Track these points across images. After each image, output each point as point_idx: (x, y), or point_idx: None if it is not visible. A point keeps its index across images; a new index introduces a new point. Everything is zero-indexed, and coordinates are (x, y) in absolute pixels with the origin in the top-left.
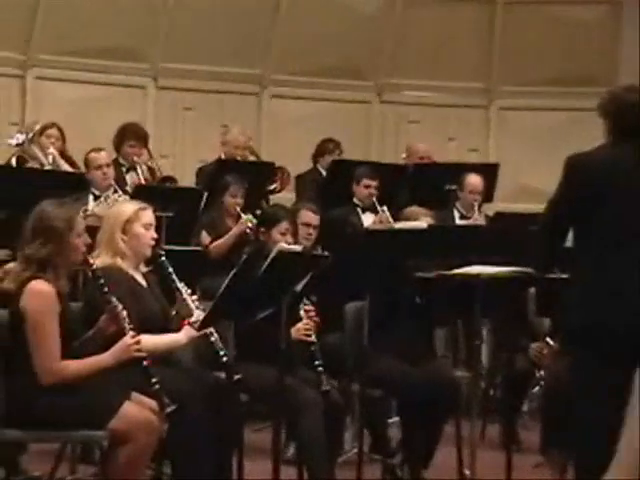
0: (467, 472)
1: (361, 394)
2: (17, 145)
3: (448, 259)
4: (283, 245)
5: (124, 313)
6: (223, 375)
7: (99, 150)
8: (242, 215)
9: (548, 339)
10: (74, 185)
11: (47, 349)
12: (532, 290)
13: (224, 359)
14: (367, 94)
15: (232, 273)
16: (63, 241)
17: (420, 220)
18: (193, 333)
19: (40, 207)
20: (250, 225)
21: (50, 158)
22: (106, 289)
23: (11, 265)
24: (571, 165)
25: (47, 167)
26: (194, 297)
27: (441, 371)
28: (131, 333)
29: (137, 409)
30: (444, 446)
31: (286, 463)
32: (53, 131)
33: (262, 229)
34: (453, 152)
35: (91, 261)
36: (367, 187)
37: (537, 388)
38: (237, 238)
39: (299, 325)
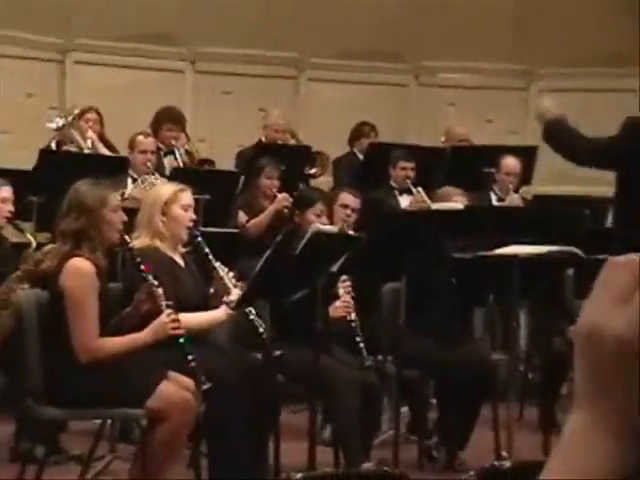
0: (504, 454)
1: (397, 375)
2: (56, 129)
3: (484, 240)
4: (319, 225)
5: (160, 291)
6: (260, 355)
7: (147, 135)
8: (278, 195)
9: None
10: (113, 168)
11: (85, 327)
12: (570, 272)
13: (264, 336)
14: (405, 77)
15: (268, 252)
16: (96, 215)
17: (454, 200)
18: (230, 311)
19: (74, 186)
20: (286, 203)
21: (89, 142)
22: (143, 267)
23: (49, 247)
24: (627, 124)
25: (86, 151)
26: (231, 275)
27: (478, 353)
28: (168, 311)
29: (174, 388)
30: (481, 428)
31: (322, 444)
32: (92, 115)
33: (297, 211)
34: (491, 135)
35: (128, 240)
36: (403, 169)
37: None
38: (274, 216)
39: (337, 303)
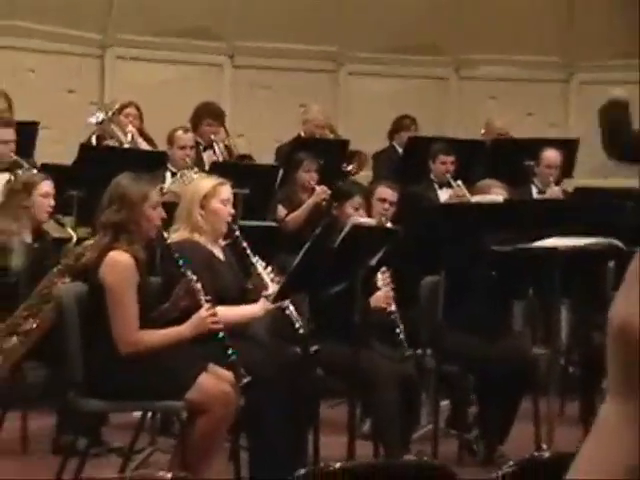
0: (545, 447)
1: (436, 369)
2: (97, 124)
3: (524, 233)
4: (358, 219)
5: (199, 286)
6: (299, 349)
7: (187, 130)
8: (317, 188)
9: None
10: (152, 163)
11: (125, 319)
12: (611, 264)
13: (300, 330)
14: (444, 70)
15: (306, 246)
16: (136, 209)
17: (493, 193)
18: (268, 305)
19: (117, 179)
20: (325, 196)
21: (129, 136)
22: (181, 262)
23: (90, 241)
24: None
25: (126, 145)
26: (268, 270)
27: (518, 347)
28: (207, 305)
29: (214, 381)
30: (522, 422)
31: (362, 438)
32: (131, 110)
33: (335, 204)
34: (532, 127)
35: (166, 236)
36: (443, 163)
37: None
38: (313, 209)
39: (379, 293)
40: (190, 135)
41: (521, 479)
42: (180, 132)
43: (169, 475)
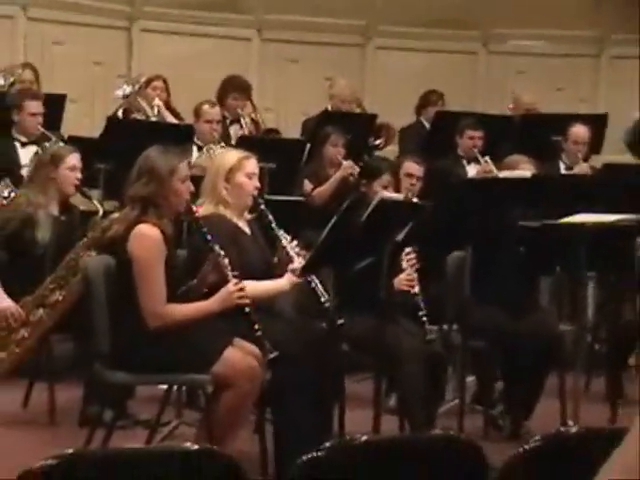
0: (570, 423)
1: (463, 345)
2: (123, 97)
3: (552, 208)
4: (385, 194)
5: (226, 261)
6: (325, 324)
7: (214, 104)
8: (343, 162)
9: None
10: (179, 137)
11: (153, 292)
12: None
13: (326, 304)
14: (473, 44)
15: (333, 220)
16: (165, 183)
17: (521, 168)
18: (294, 279)
19: (146, 152)
20: (351, 171)
21: (155, 110)
22: (209, 237)
23: (117, 214)
24: None
25: (152, 119)
26: (294, 244)
27: (545, 323)
28: (234, 281)
29: (240, 355)
30: (548, 398)
31: (388, 413)
32: (158, 83)
33: (363, 181)
34: (561, 102)
35: (195, 210)
36: (471, 139)
37: None
38: (339, 184)
39: (402, 276)
40: (217, 109)
41: (547, 454)
42: (207, 106)
43: (195, 446)
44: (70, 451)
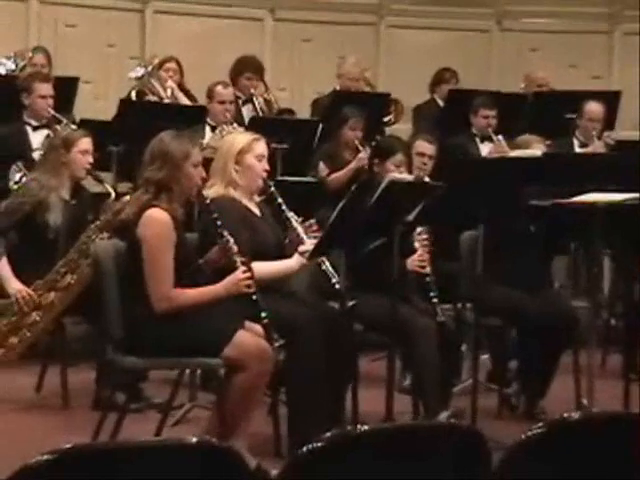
0: (585, 401)
1: (476, 323)
2: (137, 79)
3: (564, 187)
4: (395, 174)
5: (235, 248)
6: (337, 305)
7: (227, 85)
8: (360, 148)
9: None
10: (192, 118)
11: (162, 276)
12: None
13: (337, 286)
14: (487, 22)
15: (342, 202)
16: (179, 167)
17: (533, 148)
18: (304, 261)
19: (159, 137)
20: (365, 162)
21: (169, 91)
22: (219, 222)
23: (129, 196)
24: None
25: (166, 100)
26: (306, 224)
27: (558, 300)
28: (242, 268)
29: (251, 337)
30: (562, 376)
31: (403, 393)
32: (172, 65)
33: (376, 160)
34: (575, 80)
35: (205, 195)
36: (485, 117)
37: None
38: (355, 172)
39: (414, 257)
40: (230, 90)
41: (550, 440)
42: (220, 87)
43: (194, 439)
44: (68, 446)
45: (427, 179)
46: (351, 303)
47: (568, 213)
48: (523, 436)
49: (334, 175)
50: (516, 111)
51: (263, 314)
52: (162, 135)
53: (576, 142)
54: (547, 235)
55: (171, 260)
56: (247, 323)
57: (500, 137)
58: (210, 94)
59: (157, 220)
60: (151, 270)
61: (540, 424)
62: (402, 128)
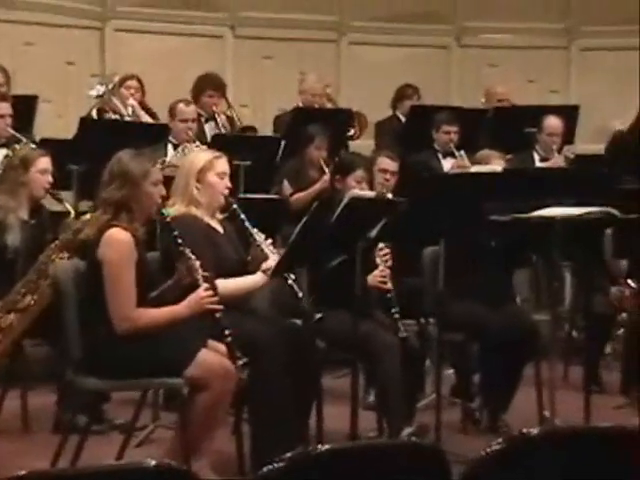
0: (547, 414)
1: (439, 338)
2: (97, 97)
3: (524, 202)
4: (356, 191)
5: (197, 264)
6: (300, 322)
7: (189, 103)
8: (325, 169)
9: (629, 281)
10: (154, 136)
11: (123, 297)
12: (609, 231)
13: (302, 300)
14: (446, 38)
15: (304, 219)
16: (138, 186)
17: (493, 163)
18: (267, 278)
19: (117, 155)
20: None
21: (130, 109)
22: (180, 241)
23: (88, 216)
24: None
25: (127, 118)
26: (268, 242)
27: (520, 314)
28: (205, 285)
29: (214, 356)
30: (524, 388)
31: (368, 409)
32: (133, 82)
33: (337, 177)
34: (534, 94)
35: (165, 213)
36: (447, 133)
37: (622, 330)
38: (319, 194)
39: (375, 272)
40: (192, 108)
41: (509, 456)
42: (182, 105)
43: (152, 462)
44: (22, 472)
45: (390, 195)
46: (318, 316)
47: (528, 227)
48: (483, 452)
49: (297, 195)
50: (477, 126)
51: (226, 332)
52: (120, 154)
53: (536, 156)
54: (507, 250)
55: (133, 280)
56: (210, 342)
57: (462, 152)
58: (172, 112)
59: (118, 240)
60: (112, 290)
61: (500, 439)
62: (364, 144)
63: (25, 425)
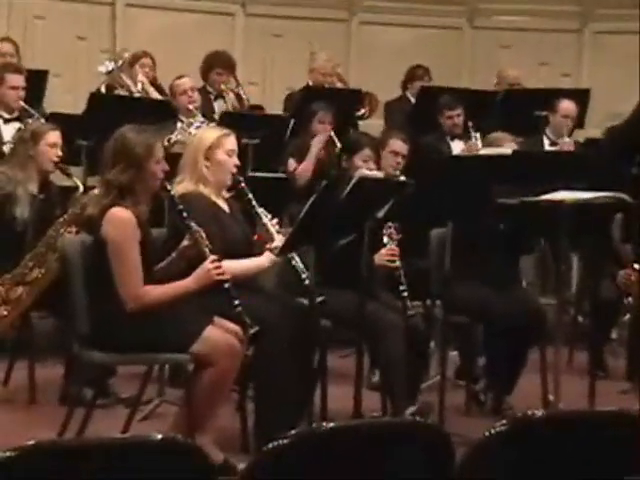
0: (551, 398)
1: (445, 320)
2: (107, 73)
3: (533, 185)
4: (365, 171)
5: (204, 237)
6: (305, 301)
7: (181, 76)
8: (337, 142)
9: (636, 265)
10: (162, 113)
11: (129, 276)
12: (618, 216)
13: (306, 282)
14: (458, 20)
15: (312, 198)
16: (143, 167)
17: (504, 146)
18: (274, 258)
19: (120, 133)
20: (327, 136)
21: (139, 86)
22: (185, 215)
23: (94, 192)
24: None
25: (136, 95)
26: (274, 222)
27: (526, 298)
28: (212, 257)
29: (220, 333)
30: (529, 372)
31: (372, 389)
32: (147, 60)
33: (344, 156)
34: (545, 77)
35: (169, 187)
36: (450, 118)
37: (628, 316)
38: (321, 165)
39: (382, 251)
40: (186, 78)
41: (513, 438)
42: (176, 80)
43: (159, 436)
44: (30, 442)
45: (402, 178)
46: (320, 299)
47: (536, 211)
48: (486, 433)
49: (300, 167)
50: (486, 108)
51: (235, 302)
52: (123, 132)
53: (546, 140)
54: (515, 233)
55: (138, 257)
56: (216, 319)
57: (477, 135)
58: (172, 90)
59: (120, 219)
60: (119, 270)
61: (503, 421)
62: (373, 124)
63: (32, 397)
